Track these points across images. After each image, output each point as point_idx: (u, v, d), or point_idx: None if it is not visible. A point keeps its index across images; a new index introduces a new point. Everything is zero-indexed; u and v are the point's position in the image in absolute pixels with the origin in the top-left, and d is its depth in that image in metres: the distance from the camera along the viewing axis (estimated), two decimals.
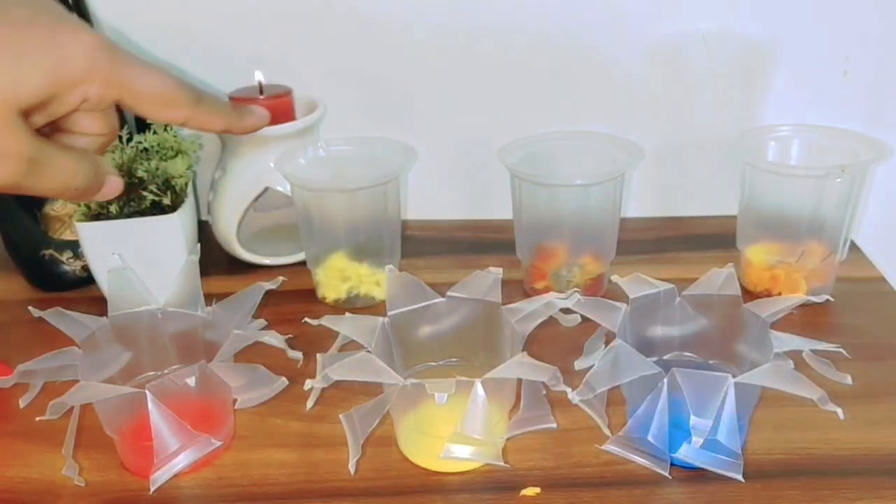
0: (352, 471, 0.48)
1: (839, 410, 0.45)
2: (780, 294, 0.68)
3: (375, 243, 0.69)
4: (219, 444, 0.50)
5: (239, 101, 0.73)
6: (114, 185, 0.44)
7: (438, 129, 0.82)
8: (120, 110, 0.78)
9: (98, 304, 0.60)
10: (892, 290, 0.71)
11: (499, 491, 0.49)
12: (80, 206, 0.65)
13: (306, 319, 0.55)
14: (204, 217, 0.82)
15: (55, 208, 0.72)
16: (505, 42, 0.78)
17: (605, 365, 0.48)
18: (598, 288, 0.70)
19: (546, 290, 0.65)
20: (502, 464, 0.49)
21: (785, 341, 0.49)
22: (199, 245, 0.61)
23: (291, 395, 0.53)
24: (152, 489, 0.47)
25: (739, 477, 0.47)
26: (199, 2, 0.77)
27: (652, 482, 0.49)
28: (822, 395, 0.45)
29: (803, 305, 0.53)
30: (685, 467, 0.49)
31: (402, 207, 0.75)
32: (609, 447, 0.48)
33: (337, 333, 0.53)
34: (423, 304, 0.55)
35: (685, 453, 0.48)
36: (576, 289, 0.56)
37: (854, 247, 0.76)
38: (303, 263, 0.74)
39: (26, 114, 0.38)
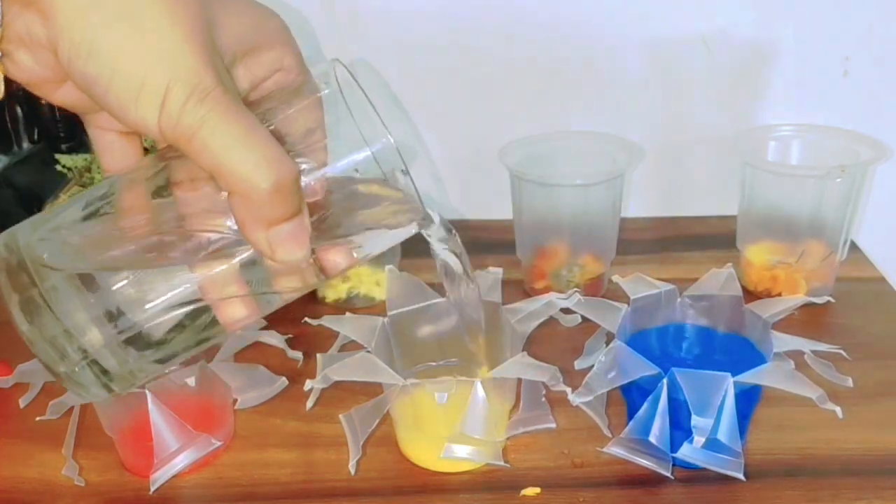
0: (352, 471, 0.48)
1: (838, 409, 0.45)
2: (780, 294, 0.68)
3: None
4: (219, 444, 0.50)
5: None
6: None
7: (438, 129, 0.82)
8: None
9: None
10: (892, 290, 0.71)
11: (499, 491, 0.49)
12: None
13: (306, 319, 0.55)
14: None
15: None
16: (505, 42, 0.78)
17: (605, 366, 0.48)
18: (598, 288, 0.70)
19: (546, 290, 0.65)
20: (502, 464, 0.49)
21: (785, 342, 0.49)
22: None
23: (291, 395, 0.53)
24: (152, 489, 0.47)
25: (741, 475, 0.46)
26: None
27: (652, 482, 0.49)
28: (821, 394, 0.45)
29: (804, 305, 0.53)
30: (686, 467, 0.49)
31: None
32: (611, 449, 0.48)
33: (337, 333, 0.53)
34: (423, 304, 0.55)
35: (686, 453, 0.48)
36: (576, 289, 0.56)
37: (854, 247, 0.76)
38: None
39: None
